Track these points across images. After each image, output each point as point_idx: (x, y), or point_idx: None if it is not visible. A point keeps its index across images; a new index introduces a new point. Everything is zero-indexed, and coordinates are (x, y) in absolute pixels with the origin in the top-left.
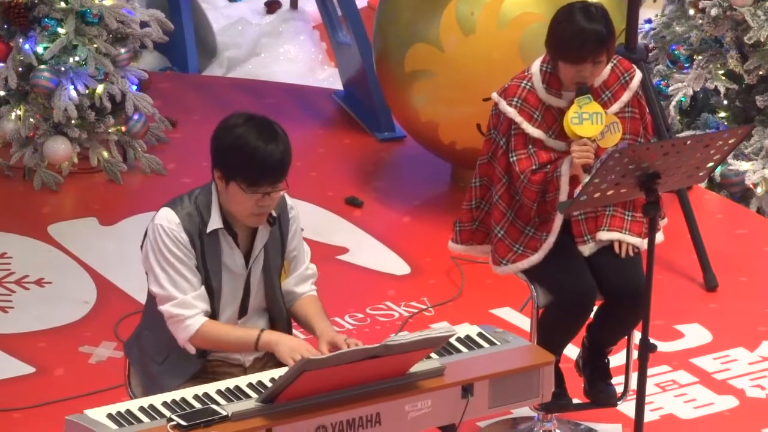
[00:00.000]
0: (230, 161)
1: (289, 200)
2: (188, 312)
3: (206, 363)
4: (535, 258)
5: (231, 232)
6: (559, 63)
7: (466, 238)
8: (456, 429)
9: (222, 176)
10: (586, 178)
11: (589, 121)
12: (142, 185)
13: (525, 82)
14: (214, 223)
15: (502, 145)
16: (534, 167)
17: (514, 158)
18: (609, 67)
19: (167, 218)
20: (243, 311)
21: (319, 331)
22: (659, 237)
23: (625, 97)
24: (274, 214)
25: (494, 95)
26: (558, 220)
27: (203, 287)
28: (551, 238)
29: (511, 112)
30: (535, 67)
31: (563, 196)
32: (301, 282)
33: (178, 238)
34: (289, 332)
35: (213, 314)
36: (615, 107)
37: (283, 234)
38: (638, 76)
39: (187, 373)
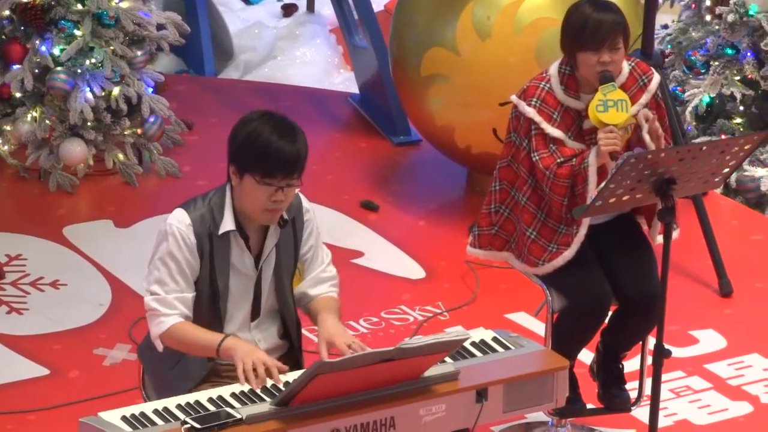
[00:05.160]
0: (244, 153)
1: (305, 203)
2: (166, 310)
3: (218, 366)
4: (568, 253)
5: (243, 234)
6: (578, 56)
7: (485, 242)
8: None
9: (236, 170)
10: (613, 168)
11: (614, 108)
12: (158, 188)
13: (543, 83)
14: (227, 225)
15: (525, 147)
16: (559, 161)
17: (537, 157)
18: (627, 69)
19: (178, 219)
20: (255, 313)
21: (319, 324)
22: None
23: (644, 99)
24: (286, 216)
25: (513, 97)
26: None
27: (191, 295)
28: (582, 231)
29: (531, 112)
30: (553, 69)
31: (592, 187)
32: (316, 284)
33: (185, 240)
34: (299, 336)
35: (220, 316)
36: (633, 109)
37: (296, 236)
38: (656, 78)
39: (197, 377)
